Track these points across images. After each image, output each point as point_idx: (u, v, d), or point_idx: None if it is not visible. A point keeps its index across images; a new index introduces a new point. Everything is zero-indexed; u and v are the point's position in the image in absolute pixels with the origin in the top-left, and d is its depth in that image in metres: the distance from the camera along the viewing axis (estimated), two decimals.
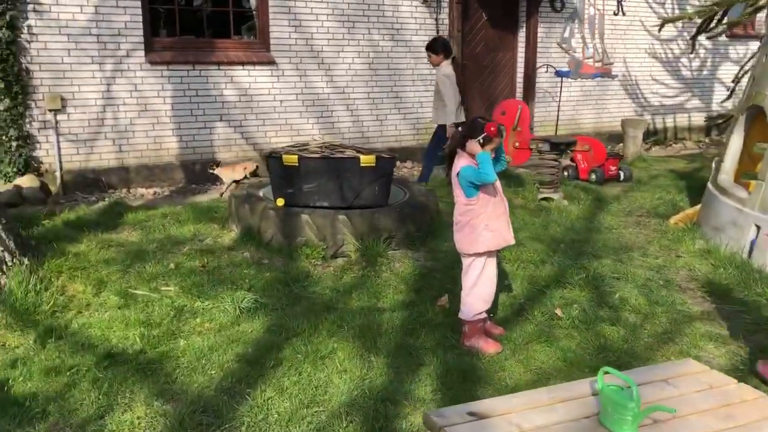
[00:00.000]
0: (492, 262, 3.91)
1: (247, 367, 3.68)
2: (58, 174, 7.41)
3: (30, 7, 7.04)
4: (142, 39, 7.72)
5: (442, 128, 7.36)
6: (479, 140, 3.62)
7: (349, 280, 4.94)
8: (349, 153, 5.49)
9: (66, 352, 3.74)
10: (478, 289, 3.88)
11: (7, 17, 6.86)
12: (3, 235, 4.34)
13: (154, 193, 7.77)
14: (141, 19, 7.66)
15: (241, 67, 8.35)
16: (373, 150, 5.85)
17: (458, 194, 3.80)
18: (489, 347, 3.89)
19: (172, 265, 4.97)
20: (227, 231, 5.84)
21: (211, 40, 8.46)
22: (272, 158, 5.43)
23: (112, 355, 3.72)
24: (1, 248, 4.31)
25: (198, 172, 8.24)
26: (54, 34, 7.24)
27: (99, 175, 7.69)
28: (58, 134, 7.40)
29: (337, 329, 4.11)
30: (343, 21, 8.91)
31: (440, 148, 7.23)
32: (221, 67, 8.24)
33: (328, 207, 5.42)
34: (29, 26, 7.09)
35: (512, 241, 3.92)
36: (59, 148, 7.44)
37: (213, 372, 3.62)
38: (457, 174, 3.74)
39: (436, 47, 7.22)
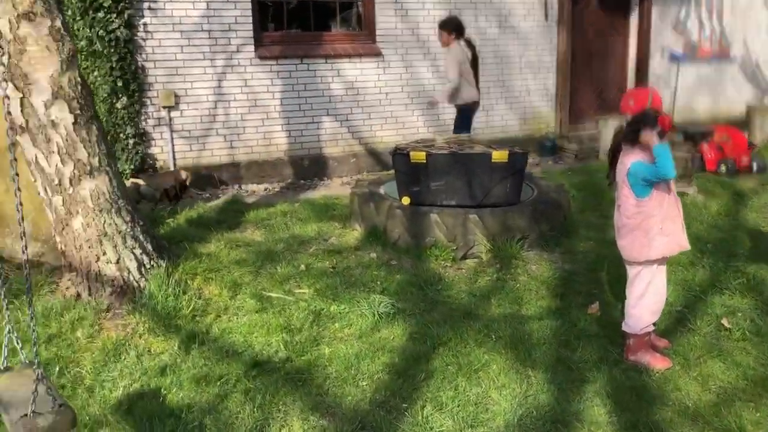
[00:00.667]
0: (662, 270, 3.56)
1: (398, 378, 3.48)
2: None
3: (145, 5, 7.08)
4: (251, 34, 7.66)
5: (459, 108, 7.14)
6: (658, 131, 3.27)
7: (484, 283, 4.68)
8: (479, 148, 5.21)
9: (211, 359, 3.65)
10: (646, 300, 3.54)
11: (125, 16, 6.91)
12: (141, 237, 4.30)
13: (265, 189, 7.72)
14: (251, 14, 7.60)
15: (347, 60, 8.19)
16: (504, 145, 5.54)
17: (626, 194, 3.46)
18: (657, 362, 3.55)
19: (302, 266, 4.84)
20: (350, 230, 5.68)
21: (318, 33, 8.32)
22: (398, 155, 5.21)
23: (258, 364, 3.60)
24: (140, 251, 4.27)
25: (306, 167, 8.15)
26: (168, 31, 7.27)
27: (211, 171, 7.70)
28: (171, 131, 7.45)
29: (485, 339, 3.86)
30: (449, 8, 8.60)
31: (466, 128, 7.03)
32: (328, 61, 8.10)
33: (456, 206, 5.16)
34: (145, 24, 7.13)
35: (687, 246, 3.55)
36: (173, 145, 7.48)
37: (364, 383, 3.44)
38: (627, 172, 3.40)
39: (450, 26, 6.90)
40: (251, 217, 6.03)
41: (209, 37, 7.47)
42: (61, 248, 4.25)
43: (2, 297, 2.65)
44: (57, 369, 3.50)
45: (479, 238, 4.98)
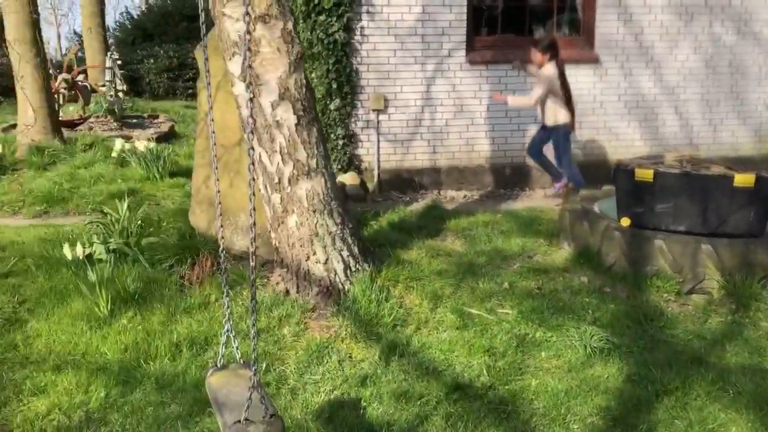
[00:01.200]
0: None
1: (615, 426, 3.09)
2: (375, 172, 7.54)
3: (364, 9, 7.21)
4: (464, 38, 7.52)
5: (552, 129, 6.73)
6: None
7: (716, 326, 4.08)
8: (717, 169, 4.58)
9: (411, 374, 3.50)
10: None
11: (345, 19, 7.09)
12: (349, 239, 4.30)
13: (464, 196, 7.54)
14: (465, 18, 7.46)
15: None
16: (736, 165, 4.84)
17: None
18: None
19: (506, 284, 4.57)
20: (557, 248, 5.30)
21: (531, 38, 7.96)
22: (621, 171, 4.74)
23: (460, 387, 3.39)
24: (347, 253, 4.26)
25: (507, 176, 7.86)
26: (383, 35, 7.34)
27: (412, 175, 7.68)
28: (378, 134, 7.52)
29: (720, 393, 3.33)
30: (680, 13, 7.82)
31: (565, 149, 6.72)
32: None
33: (685, 232, 4.58)
34: (362, 27, 7.26)
35: None
36: (379, 148, 7.56)
37: (576, 427, 3.10)
38: None
39: (544, 46, 6.55)
40: (452, 225, 5.87)
41: (422, 41, 7.44)
42: (275, 244, 4.36)
43: (224, 293, 2.69)
44: (264, 365, 3.55)
45: (711, 271, 4.37)
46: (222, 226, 2.59)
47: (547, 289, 4.55)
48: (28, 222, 6.35)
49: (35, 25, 7.99)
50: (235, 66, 4.03)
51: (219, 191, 2.67)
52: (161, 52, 18.88)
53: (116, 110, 10.42)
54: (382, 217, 6.07)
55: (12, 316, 4.09)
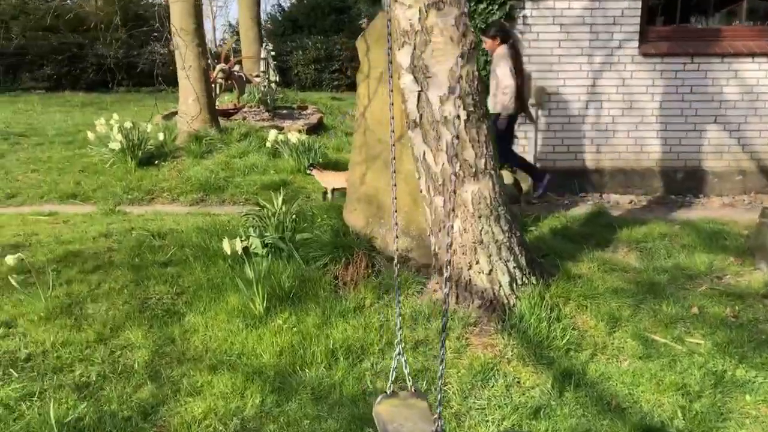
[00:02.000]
0: None
1: None
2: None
3: None
4: (637, 28, 6.83)
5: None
6: None
7: None
8: None
9: (590, 409, 3.07)
10: None
11: (507, 8, 6.67)
12: (516, 249, 3.91)
13: (630, 201, 6.88)
14: (639, 6, 6.77)
15: (750, 60, 6.87)
16: None
17: None
18: None
19: (694, 309, 3.98)
20: (750, 268, 4.61)
21: (714, 28, 7.14)
22: None
23: (650, 430, 2.91)
24: (514, 264, 3.88)
25: (679, 181, 7.10)
26: (547, 24, 6.83)
27: (572, 176, 7.12)
28: (536, 130, 7.03)
29: None
30: None
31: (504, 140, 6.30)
32: (725, 60, 6.88)
33: None
34: (524, 16, 6.80)
35: None
36: (536, 145, 7.07)
37: None
38: None
39: (490, 31, 6.21)
40: (623, 235, 5.30)
41: (590, 32, 6.85)
42: (435, 250, 4.06)
43: (397, 313, 2.42)
44: (424, 383, 3.26)
45: None
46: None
47: (745, 317, 3.92)
48: (186, 209, 6.49)
49: (198, 15, 8.22)
50: (403, 57, 3.75)
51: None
52: (309, 43, 19.27)
53: (268, 101, 10.61)
54: (542, 222, 5.61)
55: (171, 307, 4.08)
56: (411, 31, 3.67)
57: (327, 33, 21.01)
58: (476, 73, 3.76)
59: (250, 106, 10.93)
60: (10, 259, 3.98)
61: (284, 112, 11.25)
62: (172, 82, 19.37)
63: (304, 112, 11.73)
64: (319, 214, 5.42)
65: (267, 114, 10.71)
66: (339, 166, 7.63)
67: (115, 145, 7.34)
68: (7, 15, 20.72)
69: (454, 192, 3.79)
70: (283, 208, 5.16)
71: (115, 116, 7.78)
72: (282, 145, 7.76)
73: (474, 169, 3.75)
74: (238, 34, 13.53)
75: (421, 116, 3.78)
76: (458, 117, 3.70)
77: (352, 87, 18.97)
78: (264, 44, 10.67)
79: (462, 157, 3.74)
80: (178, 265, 4.68)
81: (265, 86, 10.51)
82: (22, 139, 9.08)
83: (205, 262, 4.65)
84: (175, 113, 10.94)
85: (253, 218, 5.20)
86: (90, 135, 7.74)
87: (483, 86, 3.84)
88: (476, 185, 3.77)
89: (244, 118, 10.30)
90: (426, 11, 3.61)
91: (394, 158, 3.64)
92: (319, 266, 4.52)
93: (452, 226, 3.83)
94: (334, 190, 6.56)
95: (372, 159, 4.84)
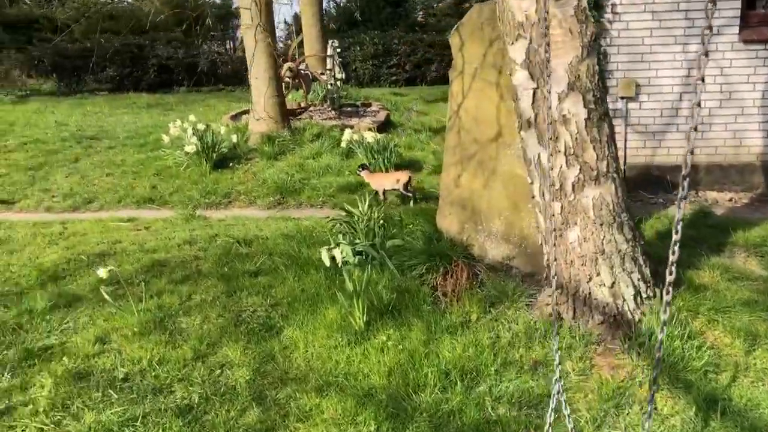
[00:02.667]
0: None
1: None
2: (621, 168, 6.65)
3: None
4: (737, 13, 6.34)
5: None
6: None
7: None
8: None
9: None
10: None
11: None
12: (641, 259, 3.57)
13: (730, 199, 6.42)
14: None
15: None
16: None
17: None
18: None
19: None
20: None
21: None
22: None
23: None
24: (638, 276, 3.55)
25: None
26: (638, 12, 6.40)
27: (664, 172, 6.68)
28: (626, 124, 6.62)
29: None
30: None
31: None
32: None
33: None
34: (613, 4, 6.38)
35: None
36: (626, 140, 6.66)
37: None
38: None
39: None
40: (738, 239, 4.89)
41: (685, 18, 6.39)
42: (548, 260, 3.75)
43: (554, 349, 2.15)
44: (549, 410, 2.97)
45: None
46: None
47: None
48: (265, 213, 6.33)
49: (270, 14, 8.06)
50: (517, 51, 3.46)
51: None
52: (367, 39, 19.05)
53: (335, 99, 10.42)
54: (644, 224, 5.23)
55: (266, 321, 3.89)
56: (527, 24, 3.37)
57: (384, 27, 20.76)
58: (597, 67, 3.44)
59: (315, 105, 10.76)
60: (102, 272, 3.85)
61: (349, 109, 11.04)
62: (232, 81, 19.55)
63: (369, 110, 11.50)
64: (407, 218, 5.17)
65: (333, 112, 10.52)
66: (413, 166, 7.40)
67: (190, 148, 7.25)
68: (71, 19, 21.20)
69: (574, 197, 3.48)
70: (370, 213, 4.93)
71: (192, 117, 7.69)
72: (356, 145, 7.54)
73: (595, 172, 3.43)
74: (299, 31, 13.40)
75: (536, 115, 3.48)
76: (578, 115, 3.38)
77: (411, 82, 18.71)
78: (331, 41, 10.48)
79: (582, 159, 3.42)
80: (269, 274, 4.50)
81: (331, 84, 10.31)
82: (95, 142, 9.11)
83: (297, 271, 4.45)
84: (243, 113, 10.88)
85: (341, 224, 4.98)
86: (164, 138, 7.67)
87: (604, 81, 3.50)
88: (597, 190, 3.45)
89: (311, 117, 10.13)
90: (544, 1, 3.30)
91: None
92: (415, 276, 4.27)
93: (570, 235, 3.56)
94: (385, 191, 6.41)
95: (467, 160, 4.55)
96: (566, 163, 3.44)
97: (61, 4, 23.89)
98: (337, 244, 4.59)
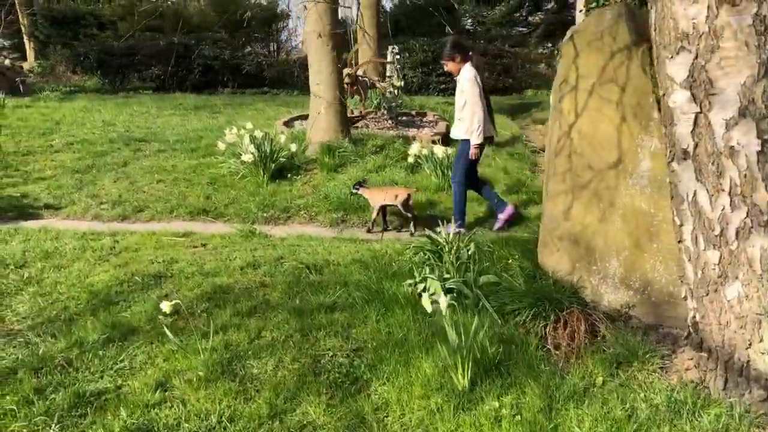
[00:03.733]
0: None
1: None
2: None
3: None
4: None
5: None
6: None
7: None
8: None
9: None
10: None
11: None
12: None
13: None
14: None
15: None
16: None
17: None
18: None
19: None
20: None
21: None
22: None
23: None
24: None
25: None
26: None
27: None
28: None
29: None
30: None
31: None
32: None
33: None
34: None
35: None
36: None
37: None
38: None
39: (448, 51, 5.67)
40: None
41: None
42: (693, 316, 3.15)
43: None
44: None
45: None
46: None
47: None
48: (329, 232, 5.81)
49: (335, 16, 7.56)
50: (678, 67, 2.86)
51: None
52: (416, 45, 18.54)
53: (392, 107, 9.88)
54: None
55: (350, 370, 3.33)
56: (693, 34, 2.77)
57: (432, 34, 20.22)
58: None
59: (371, 113, 10.24)
60: (166, 306, 3.33)
61: (405, 119, 10.49)
62: (277, 84, 19.15)
63: (426, 119, 10.94)
64: (497, 249, 4.59)
65: (389, 122, 9.98)
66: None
67: (248, 157, 6.75)
68: (117, 15, 21.07)
69: (737, 245, 2.86)
70: (458, 242, 4.37)
71: (249, 125, 7.20)
72: (423, 159, 6.98)
73: (766, 217, 2.82)
74: (355, 36, 12.95)
75: (696, 145, 2.87)
76: (749, 147, 2.77)
77: None
78: (390, 47, 9.96)
79: (751, 200, 2.81)
80: (346, 310, 3.95)
81: (390, 92, 9.78)
82: (143, 144, 8.69)
83: (378, 308, 3.90)
84: (295, 119, 10.40)
85: (424, 253, 4.43)
86: (220, 145, 7.22)
87: None
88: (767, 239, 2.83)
89: (367, 126, 9.60)
90: (716, 7, 2.71)
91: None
92: (519, 323, 3.68)
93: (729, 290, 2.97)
94: (384, 208, 5.92)
95: (579, 189, 3.96)
96: (731, 204, 2.83)
97: (108, 1, 23.84)
98: (424, 279, 4.04)
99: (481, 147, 5.65)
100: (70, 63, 19.80)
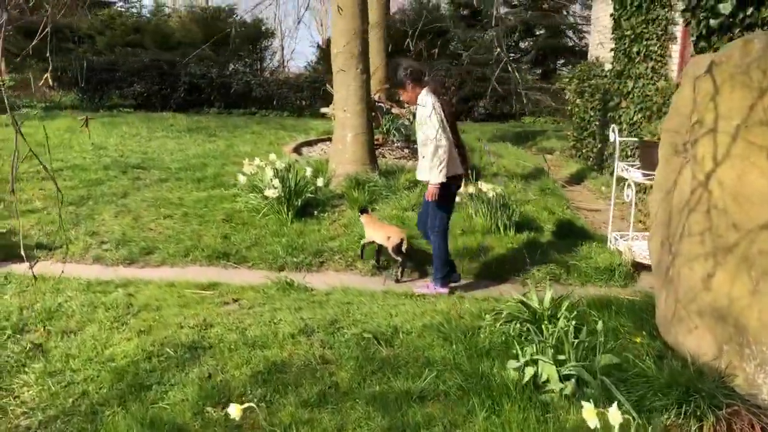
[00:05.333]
0: None
1: None
2: None
3: None
4: None
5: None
6: None
7: None
8: None
9: None
10: None
11: None
12: None
13: None
14: None
15: None
16: None
17: None
18: None
19: None
20: None
21: None
22: None
23: None
24: None
25: None
26: None
27: None
28: None
29: None
30: None
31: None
32: None
33: None
34: None
35: None
36: None
37: None
38: None
39: (400, 78, 4.78)
40: None
41: None
42: None
43: None
44: None
45: None
46: None
47: None
48: (373, 283, 5.04)
49: (365, 38, 6.85)
50: None
51: None
52: None
53: (408, 136, 9.19)
54: None
55: None
56: None
57: (422, 57, 19.67)
58: None
59: (388, 142, 9.54)
60: (234, 411, 2.52)
61: (416, 146, 9.79)
62: (265, 105, 18.35)
63: None
64: (602, 316, 3.87)
65: (405, 151, 9.28)
66: (530, 226, 6.13)
67: (272, 193, 5.94)
68: (95, 30, 20.08)
69: None
70: (556, 308, 3.67)
71: (272, 156, 6.41)
72: (468, 197, 6.27)
73: None
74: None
75: None
76: None
77: (455, 117, 17.54)
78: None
79: None
80: (439, 399, 3.18)
81: (409, 119, 9.10)
82: (142, 172, 7.81)
83: (483, 399, 3.13)
84: (302, 145, 9.64)
85: (520, 323, 3.70)
86: (241, 178, 6.41)
87: None
88: None
89: (383, 156, 8.88)
90: None
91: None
92: (663, 423, 2.96)
93: None
94: (368, 243, 5.37)
95: (723, 253, 3.27)
96: None
97: (85, 14, 22.84)
98: (533, 361, 3.30)
99: (445, 187, 4.67)
100: (46, 78, 18.75)
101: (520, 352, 3.38)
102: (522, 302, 3.80)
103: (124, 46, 19.32)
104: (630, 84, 8.55)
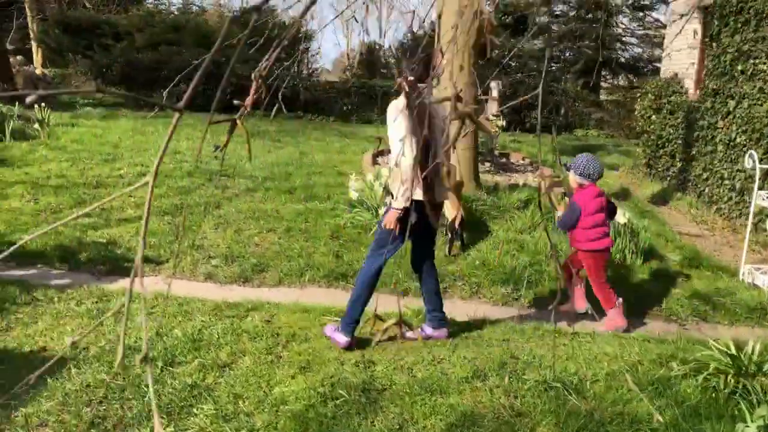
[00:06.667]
0: None
1: None
2: None
3: None
4: None
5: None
6: None
7: None
8: None
9: None
10: None
11: None
12: None
13: None
14: None
15: None
16: None
17: None
18: None
19: None
20: None
21: None
22: None
23: None
24: None
25: None
26: None
27: None
28: None
29: None
30: None
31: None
32: None
33: None
34: None
35: None
36: None
37: None
38: None
39: None
40: None
41: None
42: None
43: None
44: None
45: None
46: None
47: None
48: (505, 312, 4.69)
49: (475, 47, 6.52)
50: None
51: None
52: None
53: (492, 149, 8.86)
54: None
55: None
56: None
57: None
58: None
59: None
60: None
61: (503, 161, 9.46)
62: (312, 109, 18.05)
63: (515, 161, 9.92)
64: None
65: (487, 164, 8.94)
66: (652, 253, 5.75)
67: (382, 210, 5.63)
68: (134, 26, 19.82)
69: None
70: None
71: (384, 171, 6.10)
72: None
73: None
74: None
75: None
76: None
77: (505, 128, 17.17)
78: (495, 82, 8.97)
79: None
80: None
81: (495, 132, 8.76)
82: (227, 180, 7.52)
83: None
84: (378, 155, 9.30)
85: (728, 377, 3.33)
86: (353, 194, 6.09)
87: None
88: None
89: None
90: None
91: None
92: None
93: None
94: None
95: None
96: None
97: (125, 10, 22.62)
98: None
99: (406, 213, 3.63)
100: (90, 74, 18.52)
101: (748, 415, 3.02)
102: (729, 354, 3.43)
103: (162, 44, 19.08)
104: (731, 104, 8.16)
